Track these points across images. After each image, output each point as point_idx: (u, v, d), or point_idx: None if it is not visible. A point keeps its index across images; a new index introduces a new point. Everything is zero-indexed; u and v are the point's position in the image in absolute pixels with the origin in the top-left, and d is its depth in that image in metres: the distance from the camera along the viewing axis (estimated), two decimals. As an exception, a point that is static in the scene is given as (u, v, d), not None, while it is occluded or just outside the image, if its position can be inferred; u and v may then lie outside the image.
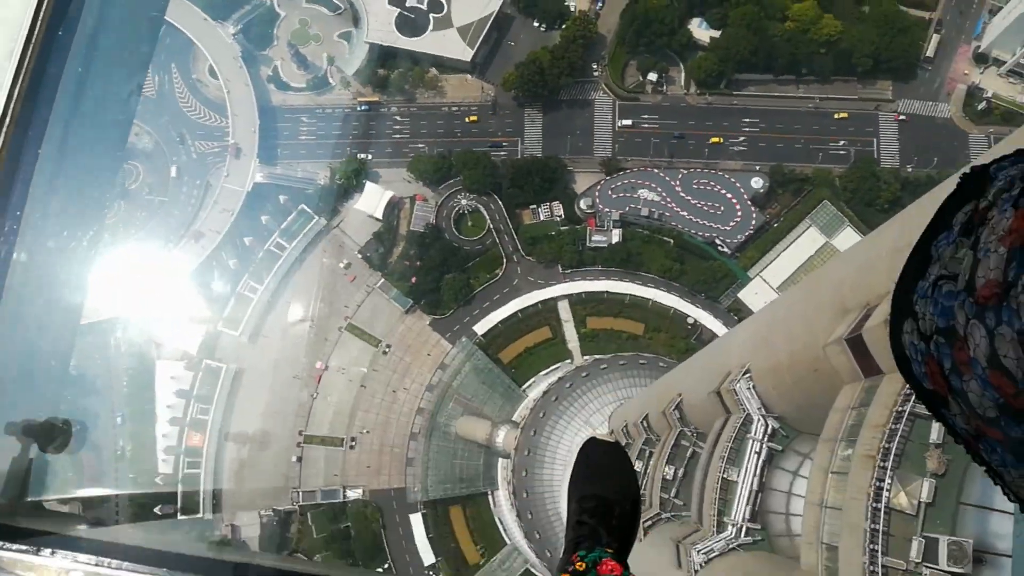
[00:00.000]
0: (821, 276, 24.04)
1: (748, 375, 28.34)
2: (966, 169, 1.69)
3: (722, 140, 68.92)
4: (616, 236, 68.60)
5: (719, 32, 68.67)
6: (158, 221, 71.53)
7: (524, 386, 67.27)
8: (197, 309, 69.70)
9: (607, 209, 68.93)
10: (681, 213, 68.32)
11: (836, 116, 68.04)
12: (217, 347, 69.14)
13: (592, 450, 3.49)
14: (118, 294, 64.45)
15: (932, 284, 1.55)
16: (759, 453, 27.58)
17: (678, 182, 68.63)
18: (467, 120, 72.76)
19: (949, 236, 1.56)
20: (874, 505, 16.55)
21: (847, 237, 65.52)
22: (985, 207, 1.49)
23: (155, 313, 67.93)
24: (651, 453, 40.03)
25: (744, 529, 26.81)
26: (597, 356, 65.93)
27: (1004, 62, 65.87)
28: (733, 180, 68.02)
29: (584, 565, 2.87)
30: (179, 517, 65.10)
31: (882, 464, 16.77)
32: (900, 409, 17.08)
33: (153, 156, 73.16)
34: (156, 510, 65.65)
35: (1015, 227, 1.33)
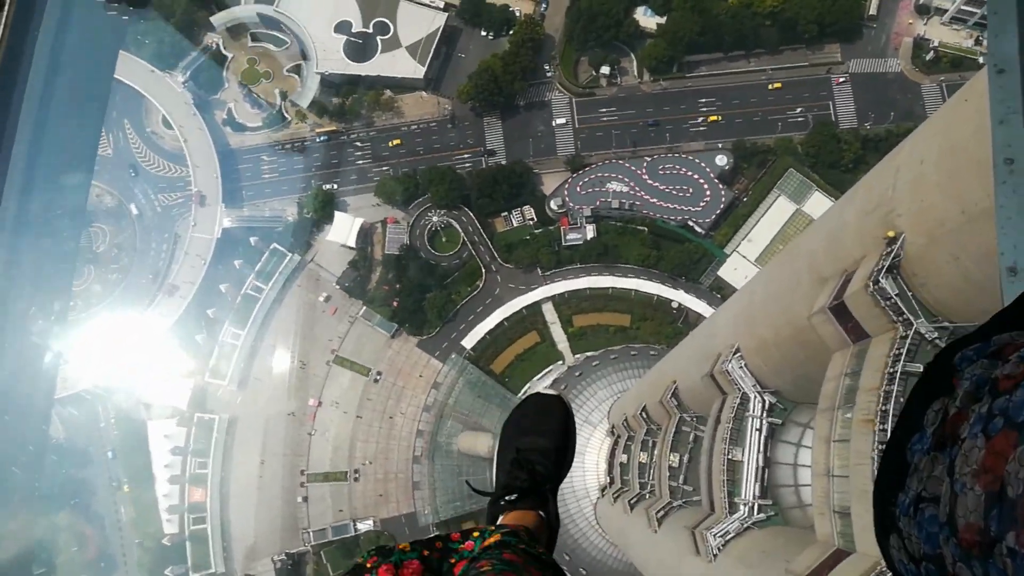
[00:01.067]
0: (794, 249, 24.17)
1: (738, 354, 28.37)
2: (930, 360, 1.72)
3: (720, 118, 68.98)
4: (590, 232, 68.74)
5: (664, 18, 69.14)
6: (130, 280, 70.78)
7: (520, 394, 67.08)
8: (181, 363, 68.94)
9: (578, 206, 69.03)
10: (651, 200, 68.51)
11: (770, 87, 68.58)
12: (207, 399, 68.43)
13: (535, 401, 3.66)
14: (97, 361, 63.74)
15: (913, 503, 1.55)
16: (760, 429, 27.59)
17: (644, 170, 68.85)
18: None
19: (923, 441, 1.57)
20: (879, 469, 16.56)
21: (816, 201, 66.15)
22: (956, 416, 1.50)
23: (139, 374, 67.15)
24: (654, 443, 40.01)
25: (756, 507, 26.79)
26: (588, 353, 65.94)
27: (945, 10, 66.82)
28: (698, 161, 68.35)
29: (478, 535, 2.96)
30: None
31: (882, 427, 16.83)
32: (892, 370, 17.17)
33: (117, 215, 72.42)
34: (167, 572, 64.83)
35: (988, 465, 1.34)
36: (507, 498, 3.17)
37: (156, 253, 72.26)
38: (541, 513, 3.17)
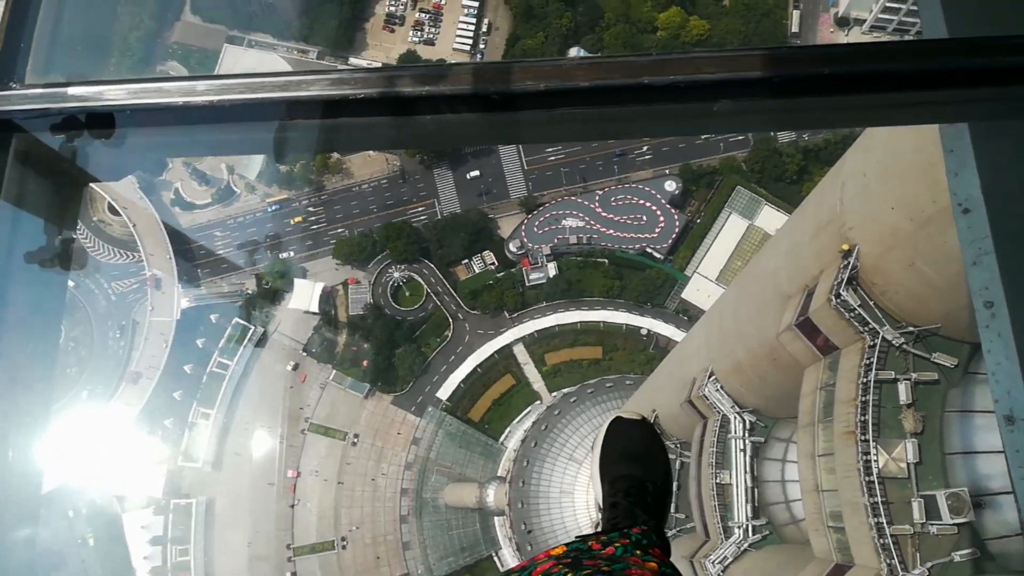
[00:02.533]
0: (755, 270, 24.67)
1: (713, 378, 28.67)
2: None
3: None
4: (552, 269, 69.23)
5: (598, 56, 70.72)
6: (90, 373, 69.07)
7: (501, 439, 66.60)
8: (152, 450, 67.18)
9: (536, 246, 69.59)
10: (608, 232, 69.43)
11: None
12: (182, 483, 66.58)
13: (619, 429, 3.44)
14: (64, 459, 61.68)
15: None
16: (744, 450, 27.77)
17: (597, 203, 69.86)
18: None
19: None
20: (867, 479, 16.81)
21: (767, 215, 67.67)
22: None
23: (109, 466, 65.09)
24: (641, 474, 39.92)
25: (750, 528, 26.83)
26: (564, 390, 65.85)
27: (864, 20, 69.74)
28: (648, 188, 69.60)
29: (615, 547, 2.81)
30: (184, 671, 61.79)
31: (863, 437, 17.10)
32: (865, 380, 17.51)
33: (71, 308, 70.82)
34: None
35: None
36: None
37: (115, 342, 70.76)
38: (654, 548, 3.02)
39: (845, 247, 17.49)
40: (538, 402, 67.15)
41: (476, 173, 71.88)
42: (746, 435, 27.99)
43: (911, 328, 17.71)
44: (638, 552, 2.74)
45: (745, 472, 27.72)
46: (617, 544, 2.72)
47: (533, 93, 1.77)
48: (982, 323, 3.07)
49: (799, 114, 1.85)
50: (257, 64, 72.46)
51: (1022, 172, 2.94)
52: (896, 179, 15.67)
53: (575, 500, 54.42)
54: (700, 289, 67.34)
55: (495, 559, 63.86)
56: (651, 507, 3.10)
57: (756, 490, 27.75)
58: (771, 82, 1.74)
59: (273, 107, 1.94)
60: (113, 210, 72.13)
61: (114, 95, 2.03)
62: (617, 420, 3.64)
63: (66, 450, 62.97)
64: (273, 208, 72.96)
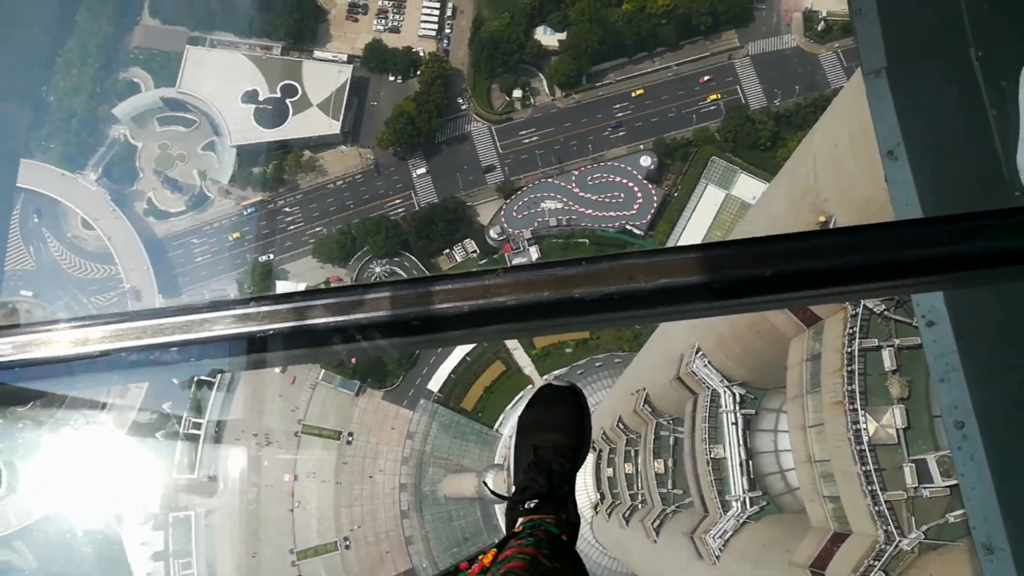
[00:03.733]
0: (735, 244, 24.58)
1: (700, 353, 28.70)
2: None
3: (644, 91, 70.23)
4: (534, 253, 69.07)
5: (564, 34, 70.32)
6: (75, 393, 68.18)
7: (496, 426, 66.70)
8: (146, 465, 66.67)
9: (517, 230, 69.36)
10: (587, 212, 69.29)
11: (633, 94, 70.31)
12: (180, 496, 66.16)
13: (544, 395, 3.45)
14: (55, 484, 61.31)
15: None
16: (736, 423, 27.86)
17: (574, 184, 69.64)
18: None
19: None
20: (858, 448, 16.85)
21: (743, 183, 67.76)
22: None
23: (103, 486, 64.56)
24: (636, 452, 40.07)
25: (748, 501, 26.96)
26: (555, 373, 65.90)
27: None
28: (623, 165, 69.44)
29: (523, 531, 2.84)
30: None
31: (851, 407, 17.12)
32: (850, 350, 17.51)
33: (51, 327, 69.90)
34: None
35: None
36: (526, 504, 2.99)
37: (99, 357, 69.84)
38: (561, 515, 3.04)
39: (822, 219, 17.40)
40: (530, 386, 67.18)
41: (423, 170, 71.53)
42: (737, 408, 28.06)
43: (893, 295, 17.69)
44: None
45: (738, 445, 27.83)
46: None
47: (455, 316, 1.67)
48: (953, 444, 3.00)
49: (750, 305, 1.70)
50: (222, 65, 71.44)
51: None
52: (867, 147, 15.55)
53: (573, 481, 54.53)
54: (683, 262, 67.37)
55: (498, 545, 64.09)
56: (560, 474, 3.10)
57: (750, 462, 27.87)
58: (712, 287, 1.61)
59: (176, 350, 1.78)
60: (86, 224, 71.06)
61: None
62: (545, 386, 3.64)
63: (58, 472, 62.44)
64: (250, 211, 72.21)
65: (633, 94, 70.57)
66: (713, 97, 69.98)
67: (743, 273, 1.61)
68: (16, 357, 1.79)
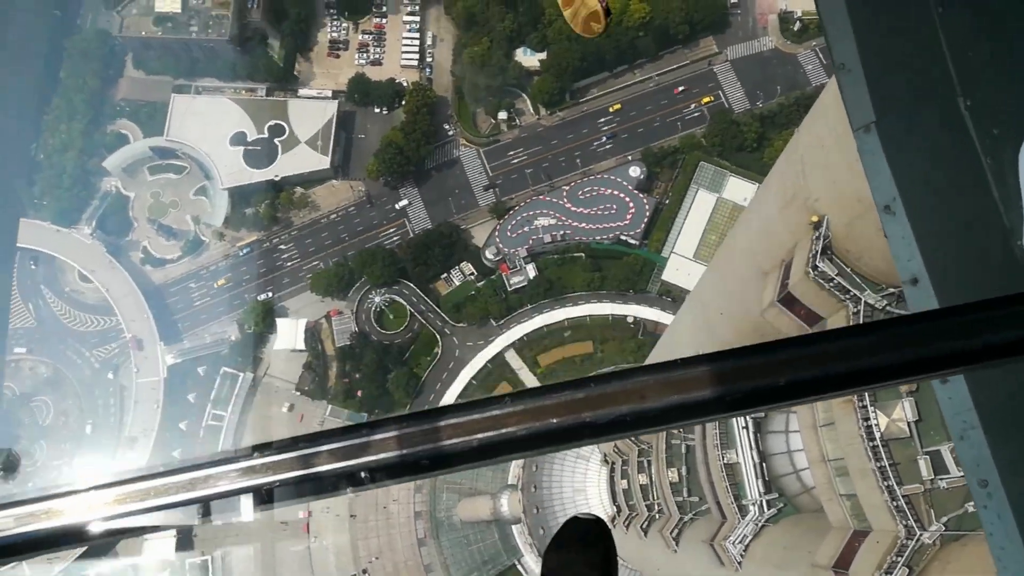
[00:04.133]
0: (729, 251, 24.79)
1: (706, 360, 28.78)
2: None
3: (621, 106, 70.40)
4: (531, 271, 69.25)
5: (544, 53, 71.00)
6: (87, 445, 68.12)
7: (506, 447, 66.42)
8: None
9: (512, 249, 69.59)
10: (580, 225, 69.57)
11: (611, 109, 71.40)
12: (194, 542, 65.76)
13: (572, 529, 3.52)
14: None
15: None
16: (747, 427, 27.88)
17: (566, 199, 69.98)
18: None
19: None
20: (871, 444, 16.92)
21: (734, 186, 68.10)
22: None
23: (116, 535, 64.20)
24: (649, 462, 40.01)
25: (765, 504, 26.94)
26: (561, 390, 65.78)
27: (799, -18, 70.33)
28: (613, 177, 69.84)
29: None
30: None
31: (861, 404, 17.21)
32: (853, 348, 17.59)
33: (56, 383, 70.02)
34: None
35: None
36: None
37: (105, 410, 69.88)
38: None
39: (815, 219, 17.61)
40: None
41: (405, 202, 71.83)
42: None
43: (891, 289, 17.87)
44: None
45: (751, 449, 27.83)
46: None
47: (465, 451, 1.67)
48: (979, 503, 2.98)
49: (767, 408, 1.80)
50: (208, 110, 71.97)
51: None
52: (852, 146, 15.78)
53: (588, 496, 54.37)
54: (679, 269, 67.63)
55: (518, 567, 63.76)
56: None
57: (764, 464, 27.86)
58: (725, 400, 1.61)
59: (182, 510, 1.82)
60: (84, 278, 71.24)
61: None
62: (571, 522, 3.66)
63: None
64: (246, 251, 72.45)
65: (611, 109, 71.12)
66: (706, 100, 70.44)
67: (757, 383, 1.60)
68: (18, 531, 1.78)
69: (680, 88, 71.05)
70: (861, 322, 18.40)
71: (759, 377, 1.63)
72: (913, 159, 3.59)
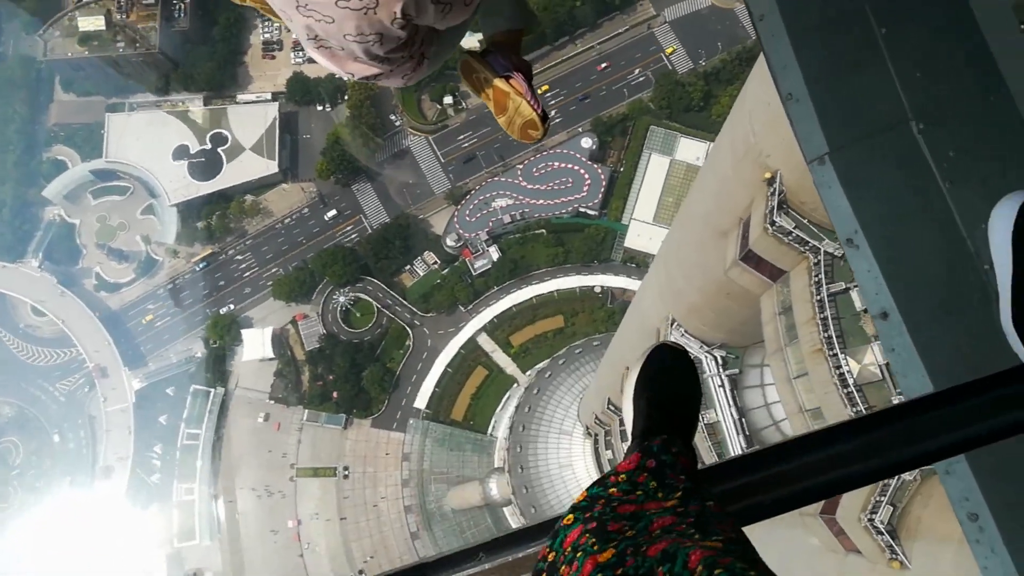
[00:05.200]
0: (687, 213, 24.82)
1: (675, 323, 28.90)
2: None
3: (548, 87, 70.17)
4: (495, 253, 68.99)
5: (482, 33, 70.06)
6: (60, 481, 66.72)
7: (489, 430, 66.51)
8: (144, 540, 65.32)
9: (473, 234, 69.22)
10: (538, 203, 69.39)
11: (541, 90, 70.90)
12: (185, 564, 65.00)
13: (660, 354, 3.49)
14: (56, 569, 59.95)
15: None
16: (723, 385, 28.15)
17: (520, 178, 69.69)
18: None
19: None
20: (846, 391, 17.10)
21: (686, 147, 68.36)
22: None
23: (103, 566, 63.16)
24: (632, 431, 40.26)
25: (748, 459, 27.20)
26: (538, 367, 65.95)
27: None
28: (565, 151, 69.62)
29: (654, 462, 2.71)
30: None
31: (831, 352, 17.36)
32: (819, 298, 17.76)
33: (22, 422, 68.29)
34: None
35: None
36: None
37: (76, 443, 68.38)
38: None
39: (768, 175, 17.60)
40: (515, 385, 67.14)
41: (334, 212, 70.83)
42: (721, 371, 28.34)
43: (849, 235, 17.93)
44: (660, 492, 2.57)
45: (729, 406, 28.13)
46: (637, 480, 2.59)
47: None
48: (971, 538, 2.93)
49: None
50: (146, 127, 70.07)
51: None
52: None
53: (575, 471, 54.70)
54: (640, 234, 67.91)
55: (514, 548, 63.96)
56: (679, 420, 3.09)
57: (744, 420, 28.19)
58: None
59: None
60: (37, 311, 69.29)
61: None
62: (661, 346, 3.59)
63: (56, 560, 60.95)
64: (202, 266, 70.98)
65: (540, 91, 70.50)
66: (670, 50, 69.73)
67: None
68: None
69: (603, 65, 70.71)
70: (823, 273, 18.55)
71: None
72: (871, 189, 3.51)
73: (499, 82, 3.06)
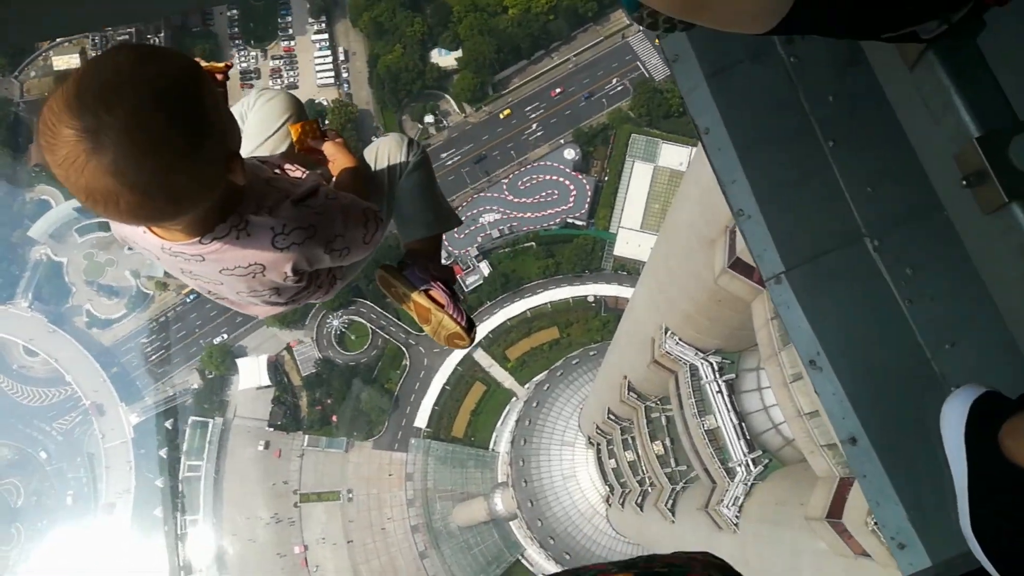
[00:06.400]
0: (674, 223, 25.15)
1: (670, 332, 29.23)
2: None
3: (511, 112, 70.58)
4: (485, 268, 69.24)
5: (459, 50, 70.72)
6: (64, 519, 66.38)
7: (491, 446, 66.57)
8: (151, 570, 64.96)
9: (463, 250, 69.45)
10: (526, 216, 69.78)
11: (501, 116, 71.21)
12: (192, 594, 64.73)
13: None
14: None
15: None
16: (720, 392, 28.47)
17: (507, 192, 70.08)
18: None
19: None
20: (840, 394, 17.36)
21: (668, 153, 68.94)
22: None
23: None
24: (633, 438, 40.56)
25: (750, 463, 27.55)
26: (535, 380, 66.11)
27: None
28: (549, 163, 70.10)
29: None
30: None
31: (825, 357, 17.65)
32: (809, 304, 18.06)
33: (22, 464, 67.88)
34: None
35: None
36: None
37: (77, 481, 67.99)
38: None
39: (752, 186, 17.91)
40: (514, 399, 67.26)
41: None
42: (717, 376, 28.67)
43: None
44: None
45: (728, 411, 28.44)
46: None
47: None
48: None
49: None
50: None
51: None
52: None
53: (579, 481, 54.85)
54: (629, 242, 68.34)
55: (522, 561, 64.03)
56: None
57: (743, 424, 28.50)
58: None
59: None
60: (30, 351, 68.95)
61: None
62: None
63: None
64: (192, 297, 70.77)
65: (501, 115, 71.14)
66: (659, 51, 70.38)
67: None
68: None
69: (557, 91, 71.18)
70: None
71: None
72: (831, 308, 3.45)
73: (418, 296, 2.92)
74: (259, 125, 2.84)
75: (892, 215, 3.37)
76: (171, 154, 1.57)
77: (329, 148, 2.69)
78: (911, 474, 3.27)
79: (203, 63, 2.22)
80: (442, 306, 2.92)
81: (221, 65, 2.33)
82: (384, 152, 2.86)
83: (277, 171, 2.42)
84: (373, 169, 2.86)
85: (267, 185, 2.12)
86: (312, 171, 2.62)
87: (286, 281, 2.18)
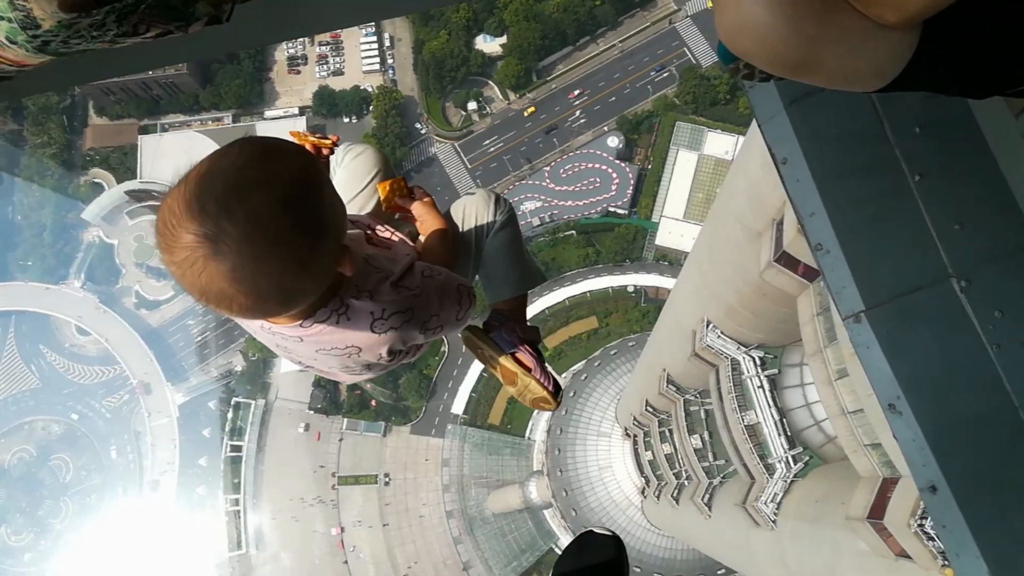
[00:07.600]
0: (719, 215, 24.58)
1: (711, 326, 28.67)
2: None
3: (535, 109, 70.01)
4: (525, 257, 68.97)
5: (504, 36, 70.34)
6: (111, 496, 68.40)
7: (527, 434, 66.58)
8: (192, 550, 66.63)
9: (502, 239, 69.27)
10: (567, 204, 69.34)
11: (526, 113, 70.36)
12: (232, 572, 66.14)
13: (585, 541, 3.40)
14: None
15: None
16: (762, 387, 27.86)
17: (548, 180, 69.69)
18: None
19: None
20: (888, 393, 16.78)
21: (714, 141, 67.75)
22: None
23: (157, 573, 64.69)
24: (671, 431, 40.09)
25: (790, 459, 26.95)
26: (573, 369, 65.75)
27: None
28: (592, 151, 69.47)
29: None
30: None
31: (872, 354, 17.06)
32: (857, 299, 17.46)
33: (70, 439, 70.03)
34: None
35: None
36: None
37: (123, 458, 69.94)
38: None
39: (800, 176, 17.35)
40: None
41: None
42: (759, 371, 28.07)
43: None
44: None
45: (769, 407, 27.84)
46: None
47: None
48: None
49: None
50: (177, 147, 71.43)
51: None
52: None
53: (615, 472, 54.49)
54: (671, 231, 67.45)
55: (556, 550, 64.03)
56: None
57: (784, 421, 27.88)
58: None
59: None
60: (81, 331, 71.00)
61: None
62: (588, 534, 3.49)
63: (111, 571, 62.46)
64: (237, 280, 72.05)
65: (525, 113, 70.45)
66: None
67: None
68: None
69: (576, 92, 70.39)
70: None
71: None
72: (913, 351, 3.27)
73: (505, 360, 2.88)
74: (347, 183, 2.83)
75: (982, 255, 3.22)
76: (288, 260, 1.59)
77: (417, 208, 2.63)
78: (994, 527, 3.12)
79: (311, 137, 2.27)
80: (529, 370, 2.89)
81: (328, 142, 2.35)
82: (472, 211, 2.79)
83: (368, 232, 2.39)
84: (461, 229, 2.78)
85: (367, 265, 2.11)
86: (400, 229, 2.58)
87: (380, 360, 2.23)
